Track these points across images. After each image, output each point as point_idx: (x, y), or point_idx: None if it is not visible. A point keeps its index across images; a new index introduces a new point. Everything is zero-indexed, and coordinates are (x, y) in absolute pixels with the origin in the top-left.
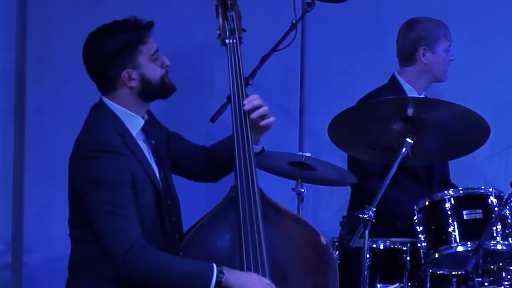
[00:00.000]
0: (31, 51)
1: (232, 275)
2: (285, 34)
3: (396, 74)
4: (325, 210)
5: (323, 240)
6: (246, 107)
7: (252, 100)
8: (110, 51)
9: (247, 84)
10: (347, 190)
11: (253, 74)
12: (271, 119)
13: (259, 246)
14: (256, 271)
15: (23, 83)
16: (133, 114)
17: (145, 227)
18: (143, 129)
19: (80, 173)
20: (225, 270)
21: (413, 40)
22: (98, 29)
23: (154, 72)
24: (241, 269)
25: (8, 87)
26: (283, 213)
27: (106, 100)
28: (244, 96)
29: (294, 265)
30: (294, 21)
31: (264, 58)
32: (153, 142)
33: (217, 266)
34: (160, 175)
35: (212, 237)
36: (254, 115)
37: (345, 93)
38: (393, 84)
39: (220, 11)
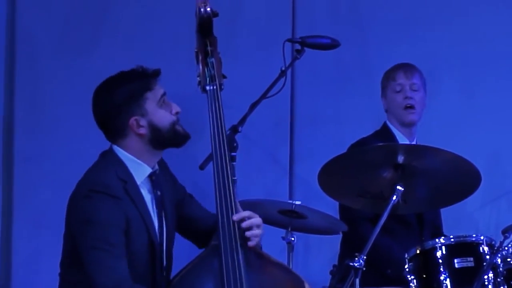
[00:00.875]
0: (20, 100)
1: None
2: (274, 81)
3: (387, 122)
4: (316, 259)
5: (307, 287)
6: (235, 218)
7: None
8: (117, 100)
9: (236, 131)
10: (338, 238)
11: (242, 121)
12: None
13: None
14: None
15: (11, 132)
16: (141, 162)
17: (135, 275)
18: (150, 178)
19: (76, 212)
20: None
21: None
22: (106, 80)
23: (163, 118)
24: None
25: None
26: (266, 260)
27: (115, 148)
28: (225, 143)
29: None
30: (283, 68)
31: (254, 105)
32: (159, 193)
33: None
34: (159, 228)
35: (196, 286)
36: (244, 225)
37: (336, 141)
38: (385, 131)
39: (200, 57)
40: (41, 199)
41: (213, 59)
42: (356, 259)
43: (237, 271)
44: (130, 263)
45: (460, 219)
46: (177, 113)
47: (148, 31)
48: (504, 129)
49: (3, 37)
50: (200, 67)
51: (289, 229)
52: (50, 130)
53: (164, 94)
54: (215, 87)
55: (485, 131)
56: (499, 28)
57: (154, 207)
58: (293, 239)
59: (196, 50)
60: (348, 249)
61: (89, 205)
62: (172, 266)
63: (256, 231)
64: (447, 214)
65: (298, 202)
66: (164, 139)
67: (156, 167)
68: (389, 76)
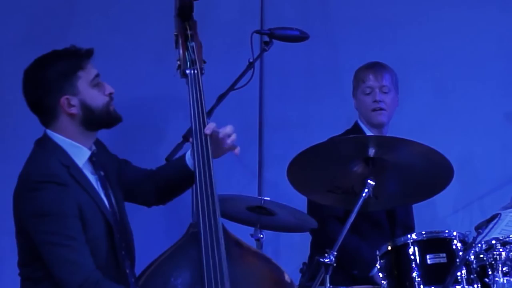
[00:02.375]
0: None
1: None
2: (242, 73)
3: (358, 120)
4: (286, 257)
5: (287, 277)
6: (207, 131)
7: (210, 127)
8: (47, 79)
9: None
10: (308, 237)
11: (209, 113)
12: (236, 150)
13: (221, 283)
14: None
15: None
16: (78, 144)
17: (98, 260)
18: (90, 159)
19: (25, 206)
20: None
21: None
22: (37, 59)
23: (95, 98)
24: None
25: None
26: (246, 250)
27: (50, 132)
28: (206, 124)
29: None
30: (251, 60)
31: (221, 97)
32: (102, 173)
33: None
34: (110, 207)
35: (173, 274)
36: (221, 134)
37: (305, 145)
38: (356, 130)
39: (180, 41)
40: (4, 204)
41: (193, 43)
42: (327, 255)
43: (217, 261)
44: (91, 249)
45: (432, 224)
46: (110, 94)
47: (117, 32)
48: (477, 132)
49: None
50: (180, 51)
51: (258, 227)
52: (12, 132)
53: (98, 75)
54: (195, 71)
55: (457, 134)
56: (471, 28)
57: (100, 187)
58: (261, 236)
59: (175, 33)
60: (318, 249)
61: (39, 197)
62: (133, 241)
63: (231, 138)
64: (419, 219)
65: (267, 198)
66: (96, 120)
67: (93, 147)
68: (359, 77)
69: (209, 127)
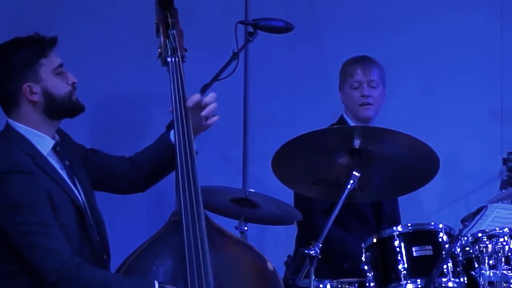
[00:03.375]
0: None
1: None
2: (226, 63)
3: (344, 114)
4: (270, 251)
5: (270, 266)
6: (189, 104)
7: (193, 99)
8: (9, 66)
9: None
10: (292, 230)
11: None
12: (215, 118)
13: (205, 272)
14: None
15: None
16: (41, 134)
17: (73, 245)
18: (54, 149)
19: None
20: (167, 287)
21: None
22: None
23: (58, 87)
24: None
25: None
26: (229, 238)
27: (12, 122)
28: (188, 116)
29: None
30: (235, 50)
31: (205, 88)
32: (67, 162)
33: (158, 283)
34: (79, 194)
35: (155, 263)
36: (204, 113)
37: None
38: (341, 123)
39: (161, 29)
40: None
41: (174, 31)
42: (312, 247)
43: (200, 248)
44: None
45: (418, 221)
46: (73, 83)
47: (100, 25)
48: (463, 130)
49: None
50: (161, 39)
51: (242, 219)
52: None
53: (61, 64)
54: (177, 59)
55: (443, 131)
56: (458, 27)
57: (66, 176)
58: (246, 228)
59: (156, 21)
60: (304, 242)
61: (6, 189)
62: (105, 226)
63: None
64: (404, 215)
65: (251, 190)
66: (59, 108)
67: (57, 137)
68: (346, 71)
69: (192, 100)
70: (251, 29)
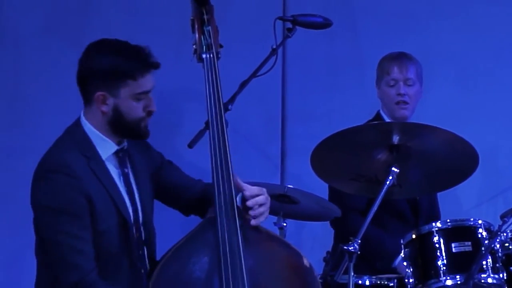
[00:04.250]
0: (2, 93)
1: None
2: (265, 59)
3: (380, 110)
4: (309, 246)
5: (306, 262)
6: (253, 223)
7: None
8: (98, 66)
9: (226, 109)
10: (330, 228)
11: (232, 99)
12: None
13: (240, 268)
14: None
15: None
16: (106, 138)
17: (107, 255)
18: (117, 154)
19: (33, 195)
20: None
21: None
22: (107, 41)
23: (131, 110)
24: None
25: None
26: (264, 234)
27: (82, 119)
28: (222, 112)
29: None
30: (274, 47)
31: (244, 84)
32: (126, 170)
33: None
34: (132, 204)
35: (190, 260)
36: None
37: None
38: (378, 119)
39: (196, 26)
40: (22, 196)
41: (209, 28)
42: (351, 243)
43: (235, 245)
44: (100, 243)
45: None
46: (150, 111)
47: (137, 21)
48: (501, 125)
49: None
50: (196, 35)
51: (281, 215)
52: (32, 125)
53: (148, 91)
54: (211, 55)
55: (481, 127)
56: (495, 19)
57: (123, 183)
58: (285, 224)
59: (192, 18)
60: (341, 240)
61: (44, 188)
62: (155, 241)
63: (259, 210)
64: (443, 212)
65: (290, 186)
66: (123, 128)
67: (124, 143)
68: (383, 68)
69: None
70: (289, 25)
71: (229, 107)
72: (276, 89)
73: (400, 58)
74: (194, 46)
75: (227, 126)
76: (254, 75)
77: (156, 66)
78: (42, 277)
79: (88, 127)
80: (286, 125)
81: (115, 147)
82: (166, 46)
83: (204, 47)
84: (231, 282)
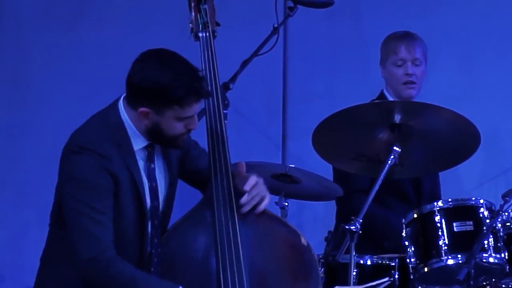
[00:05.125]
0: (2, 73)
1: None
2: (266, 38)
3: (384, 90)
4: (310, 225)
5: (303, 240)
6: (244, 210)
7: (251, 201)
8: (149, 83)
9: (227, 88)
10: (332, 205)
11: (233, 78)
12: (265, 203)
13: (236, 248)
14: (233, 274)
15: None
16: (139, 134)
17: (121, 241)
18: (146, 148)
19: (63, 167)
20: None
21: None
22: (166, 54)
23: (171, 129)
24: (218, 272)
25: None
26: (261, 213)
27: (121, 108)
28: (218, 90)
29: (273, 267)
30: (275, 25)
31: (245, 63)
32: (152, 166)
33: None
34: (153, 200)
35: (187, 238)
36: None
37: None
38: (381, 99)
39: (193, 4)
40: (25, 174)
41: (206, 6)
42: (352, 222)
43: (230, 223)
44: (116, 226)
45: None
46: (189, 129)
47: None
48: (503, 106)
49: None
50: (193, 14)
51: (283, 195)
52: (33, 103)
53: (190, 117)
54: (208, 34)
55: (483, 107)
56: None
57: (147, 178)
58: (286, 204)
59: None
60: (344, 220)
61: (75, 161)
62: None
63: (260, 207)
64: (444, 192)
65: (292, 165)
66: (159, 139)
67: None
68: (389, 47)
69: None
70: (291, 4)
71: (230, 86)
72: (277, 69)
73: (407, 37)
74: (190, 24)
75: (228, 106)
76: (255, 54)
77: (206, 96)
78: (51, 252)
79: (126, 118)
80: (287, 104)
81: (146, 142)
82: (166, 26)
83: (201, 25)
84: (227, 260)
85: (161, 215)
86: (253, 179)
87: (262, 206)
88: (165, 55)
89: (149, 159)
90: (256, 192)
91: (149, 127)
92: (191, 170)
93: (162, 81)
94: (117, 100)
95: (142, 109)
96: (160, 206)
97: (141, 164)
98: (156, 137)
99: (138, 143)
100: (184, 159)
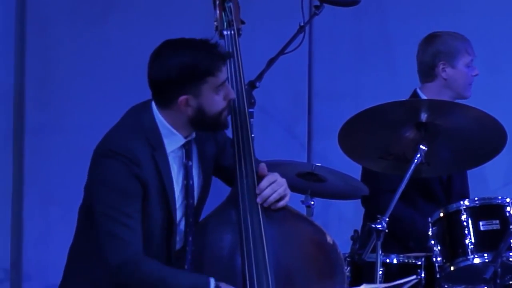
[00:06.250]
0: (30, 72)
1: None
2: (292, 37)
3: (418, 90)
4: (336, 224)
5: (329, 239)
6: (258, 200)
7: (263, 193)
8: (175, 72)
9: (253, 87)
10: (358, 204)
11: (260, 76)
12: (284, 202)
13: (261, 246)
14: (259, 272)
15: (22, 105)
16: (175, 132)
17: (147, 250)
18: (183, 147)
19: (93, 170)
20: (222, 285)
21: (432, 55)
22: (173, 42)
23: (214, 104)
24: (243, 270)
25: (7, 108)
26: (286, 212)
27: (154, 109)
28: (243, 89)
29: (298, 266)
30: (302, 24)
31: (271, 61)
32: (190, 163)
33: (214, 281)
34: (187, 198)
35: (213, 237)
36: (266, 204)
37: None
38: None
39: (217, 2)
40: (52, 173)
41: (230, 4)
42: (378, 221)
43: (256, 222)
44: (144, 228)
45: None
46: (230, 99)
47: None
48: None
49: (13, 6)
50: (217, 12)
51: (309, 193)
52: (61, 102)
53: (225, 80)
54: (232, 32)
55: (509, 106)
56: None
57: (182, 177)
58: (312, 203)
59: None
60: (371, 219)
61: (105, 165)
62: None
63: (280, 203)
64: (470, 193)
65: (318, 164)
66: (204, 123)
67: (193, 135)
68: (461, 47)
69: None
70: (317, 2)
71: (257, 84)
72: (303, 68)
73: (467, 39)
74: (215, 23)
75: (254, 104)
76: (281, 52)
77: (229, 56)
78: (80, 248)
79: (160, 119)
80: (313, 104)
81: (182, 141)
82: (191, 25)
83: (225, 23)
84: (253, 258)
85: (194, 212)
86: (272, 176)
87: (281, 203)
88: (171, 43)
89: (187, 157)
90: (276, 188)
91: (193, 115)
92: (225, 166)
93: (185, 62)
94: (149, 102)
95: (181, 98)
96: (195, 204)
97: (176, 165)
98: (202, 123)
99: (173, 144)
100: (220, 155)
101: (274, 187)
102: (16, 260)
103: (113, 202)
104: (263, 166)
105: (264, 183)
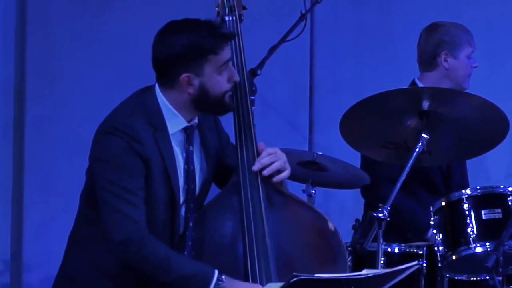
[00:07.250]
0: (31, 64)
1: (231, 284)
2: (294, 24)
3: (416, 79)
4: (338, 213)
5: (330, 225)
6: (255, 168)
7: (261, 160)
8: (178, 49)
9: (254, 74)
10: (359, 194)
11: (261, 64)
12: (285, 174)
13: (263, 232)
14: (260, 259)
15: (22, 96)
16: (177, 113)
17: (154, 223)
18: (185, 131)
19: (95, 147)
20: (225, 278)
21: (435, 44)
22: (177, 22)
23: (216, 85)
24: (245, 257)
25: (7, 100)
26: (288, 198)
27: (157, 91)
28: (245, 76)
29: (300, 251)
30: (303, 12)
31: (273, 49)
32: (191, 148)
33: (218, 273)
34: (189, 183)
35: (214, 224)
36: (266, 172)
37: None
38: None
39: None
40: (53, 164)
41: None
42: (380, 209)
43: (257, 208)
44: (148, 208)
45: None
46: (234, 82)
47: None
48: None
49: None
50: None
51: (310, 182)
52: (61, 94)
53: (229, 60)
54: (234, 17)
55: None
56: None
57: (183, 161)
58: (313, 192)
59: None
60: (372, 208)
61: (107, 141)
62: (202, 225)
63: (280, 175)
64: (471, 184)
65: (319, 153)
66: (207, 105)
67: (195, 121)
68: (463, 38)
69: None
70: None
71: (258, 72)
72: (304, 57)
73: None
74: (217, 8)
75: (255, 92)
76: (283, 40)
77: (232, 35)
78: (81, 233)
79: (163, 100)
80: (314, 94)
81: (184, 124)
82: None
83: (227, 9)
84: (254, 244)
85: (196, 198)
86: (272, 149)
87: (282, 175)
88: (175, 23)
89: (188, 141)
90: (274, 159)
91: (195, 95)
92: (224, 165)
93: (188, 40)
94: (153, 85)
95: (182, 76)
96: (197, 190)
97: (176, 148)
98: (204, 103)
99: (175, 126)
100: (221, 152)
101: (272, 158)
102: (16, 251)
103: (115, 178)
104: (262, 143)
105: (263, 154)
